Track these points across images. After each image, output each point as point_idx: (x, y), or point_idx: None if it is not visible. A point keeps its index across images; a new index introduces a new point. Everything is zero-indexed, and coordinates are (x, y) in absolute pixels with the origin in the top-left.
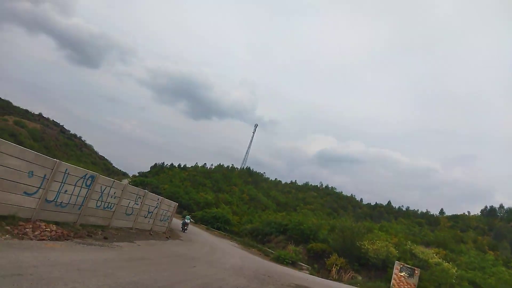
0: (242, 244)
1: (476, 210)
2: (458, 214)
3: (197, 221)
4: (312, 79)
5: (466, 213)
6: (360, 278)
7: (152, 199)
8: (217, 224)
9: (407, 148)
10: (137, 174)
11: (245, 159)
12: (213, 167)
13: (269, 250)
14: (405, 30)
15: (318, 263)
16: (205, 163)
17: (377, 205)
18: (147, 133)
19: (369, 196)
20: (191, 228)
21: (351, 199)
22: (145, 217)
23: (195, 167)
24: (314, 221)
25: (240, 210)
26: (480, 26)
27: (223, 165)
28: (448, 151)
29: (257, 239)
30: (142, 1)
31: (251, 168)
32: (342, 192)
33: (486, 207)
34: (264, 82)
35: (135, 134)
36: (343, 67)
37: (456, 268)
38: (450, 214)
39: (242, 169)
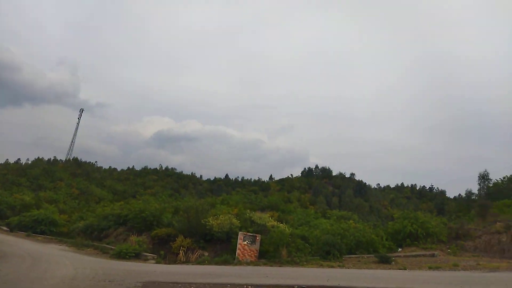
0: (74, 246)
1: (297, 172)
2: (284, 177)
3: (13, 229)
4: (144, 59)
5: (290, 176)
6: (206, 254)
7: None
8: (40, 228)
9: (238, 123)
10: None
11: (70, 149)
12: (30, 162)
13: (108, 246)
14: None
15: (164, 249)
16: (18, 159)
17: (216, 180)
18: None
19: (208, 171)
20: (3, 238)
21: (191, 177)
22: None
23: (6, 164)
24: (156, 206)
25: (68, 208)
26: None
27: (42, 158)
28: (272, 124)
29: (92, 236)
30: None
31: (79, 159)
32: (182, 171)
33: (304, 168)
34: (88, 62)
35: None
36: (176, 46)
37: (289, 227)
38: (277, 178)
39: (68, 161)
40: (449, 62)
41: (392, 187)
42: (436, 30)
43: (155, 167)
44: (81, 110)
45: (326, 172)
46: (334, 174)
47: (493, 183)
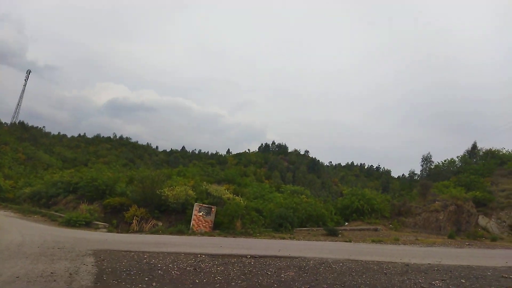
0: (20, 213)
1: (254, 147)
2: (241, 152)
3: None
4: (98, 24)
5: (247, 151)
6: (160, 224)
7: None
8: None
9: (198, 96)
10: None
11: (16, 112)
12: None
13: (57, 214)
14: None
15: (116, 218)
16: None
17: (173, 151)
18: None
19: (165, 143)
20: None
21: (147, 148)
22: None
23: None
24: (109, 175)
25: (14, 173)
26: None
27: None
28: (232, 99)
29: (40, 203)
30: None
31: (26, 123)
32: (137, 141)
33: (262, 144)
34: (37, 20)
35: None
36: (131, 12)
37: (244, 200)
38: (235, 152)
39: (13, 124)
40: (398, 49)
41: (343, 165)
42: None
43: (108, 135)
44: (28, 72)
45: (282, 148)
46: (289, 150)
47: (435, 165)
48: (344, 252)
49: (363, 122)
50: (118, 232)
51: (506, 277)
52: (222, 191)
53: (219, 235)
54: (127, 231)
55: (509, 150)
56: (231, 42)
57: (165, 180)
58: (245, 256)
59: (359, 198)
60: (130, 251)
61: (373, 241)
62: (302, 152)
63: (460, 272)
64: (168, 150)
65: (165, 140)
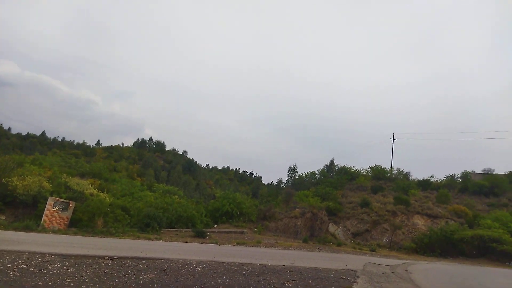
0: None
1: (129, 142)
2: (113, 145)
3: None
4: None
5: (121, 145)
6: (3, 218)
7: None
8: None
9: (68, 77)
10: None
11: None
12: None
13: None
14: None
15: None
16: None
17: (29, 136)
18: None
19: (20, 125)
20: None
21: None
22: None
23: None
24: None
25: None
26: None
27: None
28: (110, 86)
29: None
30: None
31: None
32: None
33: (138, 139)
34: None
35: None
36: None
37: (110, 197)
38: (106, 145)
39: None
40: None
41: (219, 168)
42: None
43: None
44: None
45: (160, 146)
46: (167, 149)
47: (299, 176)
48: (209, 254)
49: (240, 128)
50: None
51: (344, 279)
52: (84, 185)
53: (75, 233)
54: None
55: (359, 168)
56: (119, 25)
57: (15, 167)
58: (102, 257)
59: (230, 201)
60: None
61: (237, 243)
62: (180, 152)
63: (308, 273)
64: (24, 133)
65: (21, 122)
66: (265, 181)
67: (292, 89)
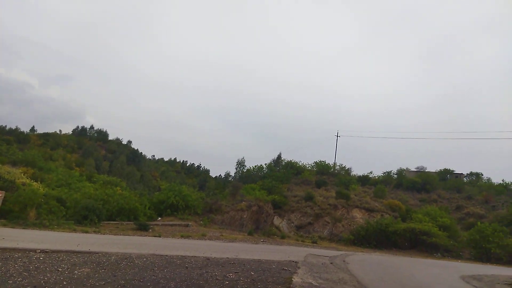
0: None
1: (68, 129)
2: (50, 132)
3: None
4: None
5: (58, 132)
6: None
7: None
8: None
9: (2, 57)
10: None
11: None
12: None
13: None
14: None
15: None
16: None
17: None
18: None
19: None
20: None
21: None
22: None
23: None
24: None
25: None
26: None
27: None
28: (49, 69)
29: None
30: None
31: None
32: None
33: (78, 127)
34: None
35: None
36: None
37: (44, 187)
38: (41, 132)
39: None
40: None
41: (166, 160)
42: None
43: None
44: None
45: (102, 134)
46: (110, 138)
47: (247, 169)
48: (150, 247)
49: (190, 119)
50: None
51: (285, 270)
52: (16, 174)
53: (4, 225)
54: None
55: (304, 163)
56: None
57: None
58: (34, 251)
59: (176, 194)
60: None
61: (182, 236)
62: (124, 142)
63: (251, 265)
64: None
65: None
66: (213, 174)
67: (245, 84)
